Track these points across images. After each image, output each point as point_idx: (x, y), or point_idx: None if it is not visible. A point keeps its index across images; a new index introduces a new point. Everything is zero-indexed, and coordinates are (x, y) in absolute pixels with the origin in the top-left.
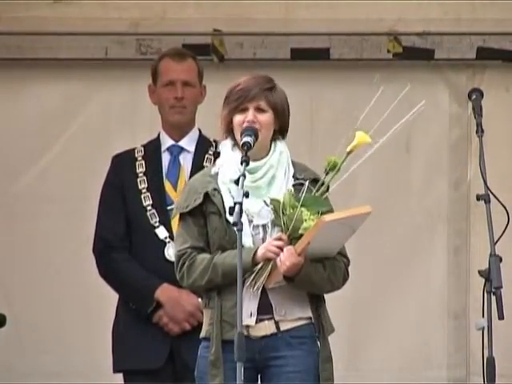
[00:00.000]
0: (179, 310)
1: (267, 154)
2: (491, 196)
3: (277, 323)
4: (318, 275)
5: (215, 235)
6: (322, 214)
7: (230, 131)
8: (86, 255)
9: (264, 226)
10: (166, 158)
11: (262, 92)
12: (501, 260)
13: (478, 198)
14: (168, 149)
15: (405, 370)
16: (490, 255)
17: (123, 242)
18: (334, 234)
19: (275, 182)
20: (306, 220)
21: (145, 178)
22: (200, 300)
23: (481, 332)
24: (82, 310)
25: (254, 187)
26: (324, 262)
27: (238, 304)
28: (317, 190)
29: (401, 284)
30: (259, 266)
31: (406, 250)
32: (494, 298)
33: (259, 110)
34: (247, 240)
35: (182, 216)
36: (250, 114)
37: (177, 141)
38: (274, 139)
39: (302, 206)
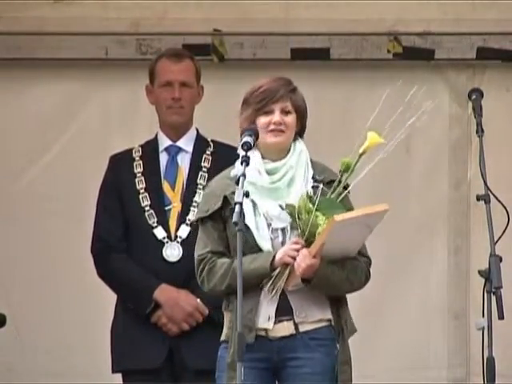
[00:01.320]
0: (178, 311)
1: (287, 155)
2: (491, 196)
3: (296, 324)
4: (336, 276)
5: (235, 239)
6: None
7: None
8: (86, 255)
9: (283, 230)
10: (163, 158)
11: (287, 93)
12: (501, 260)
13: (478, 198)
14: (166, 149)
15: (405, 370)
16: (490, 255)
17: (121, 242)
18: (350, 234)
19: (294, 183)
20: (321, 225)
21: (143, 178)
22: (199, 300)
23: (481, 332)
24: (82, 309)
25: (272, 189)
26: (343, 262)
27: (238, 304)
28: (332, 192)
29: (401, 284)
30: (277, 270)
31: (406, 250)
32: (494, 297)
33: (284, 111)
34: (266, 244)
35: (203, 220)
36: (277, 116)
37: (174, 141)
38: (294, 139)
39: (316, 210)
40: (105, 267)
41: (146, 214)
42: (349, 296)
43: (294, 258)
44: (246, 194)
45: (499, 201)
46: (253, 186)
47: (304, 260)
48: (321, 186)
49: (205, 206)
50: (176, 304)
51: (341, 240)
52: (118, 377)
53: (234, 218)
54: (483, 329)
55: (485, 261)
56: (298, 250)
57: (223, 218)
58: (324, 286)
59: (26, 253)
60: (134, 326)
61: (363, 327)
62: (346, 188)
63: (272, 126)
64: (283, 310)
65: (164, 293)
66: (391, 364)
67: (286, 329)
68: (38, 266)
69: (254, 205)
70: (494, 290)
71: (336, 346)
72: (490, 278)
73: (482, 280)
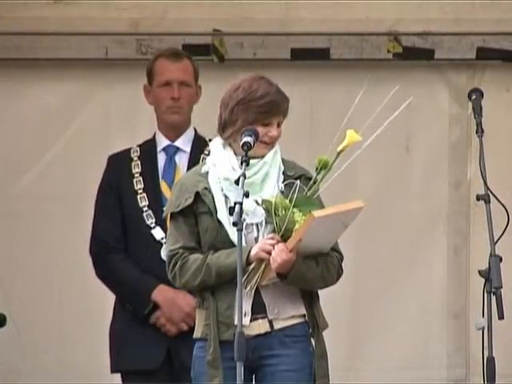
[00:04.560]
0: (176, 311)
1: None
2: (491, 196)
3: (270, 322)
4: (311, 272)
5: (207, 235)
6: None
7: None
8: (86, 255)
9: (257, 225)
10: (161, 159)
11: (287, 108)
12: (501, 260)
13: (478, 198)
14: (164, 149)
15: (404, 370)
16: (490, 255)
17: (119, 242)
18: (326, 231)
19: (269, 178)
20: (297, 221)
21: (141, 178)
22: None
23: (481, 332)
24: (82, 309)
25: (248, 183)
26: (317, 258)
27: (237, 303)
28: (309, 189)
29: (401, 284)
30: (252, 265)
31: (406, 250)
32: (494, 297)
33: (278, 124)
34: None
35: (173, 215)
36: (275, 130)
37: (172, 141)
38: None
39: (294, 206)
40: (103, 267)
41: (144, 214)
42: (348, 295)
43: (270, 254)
44: (246, 195)
45: (499, 201)
46: (227, 181)
47: (280, 255)
48: (298, 182)
49: (176, 201)
50: (174, 304)
51: (317, 236)
52: (118, 377)
53: (234, 218)
54: (483, 329)
55: (485, 261)
56: (273, 245)
57: (195, 213)
58: (299, 282)
59: (26, 253)
60: (132, 327)
61: (363, 326)
62: (315, 183)
63: (266, 139)
64: (257, 307)
65: (162, 293)
66: (391, 364)
67: (260, 327)
68: (38, 265)
69: (227, 199)
70: (494, 290)
71: (311, 342)
72: (490, 277)
73: (482, 280)
